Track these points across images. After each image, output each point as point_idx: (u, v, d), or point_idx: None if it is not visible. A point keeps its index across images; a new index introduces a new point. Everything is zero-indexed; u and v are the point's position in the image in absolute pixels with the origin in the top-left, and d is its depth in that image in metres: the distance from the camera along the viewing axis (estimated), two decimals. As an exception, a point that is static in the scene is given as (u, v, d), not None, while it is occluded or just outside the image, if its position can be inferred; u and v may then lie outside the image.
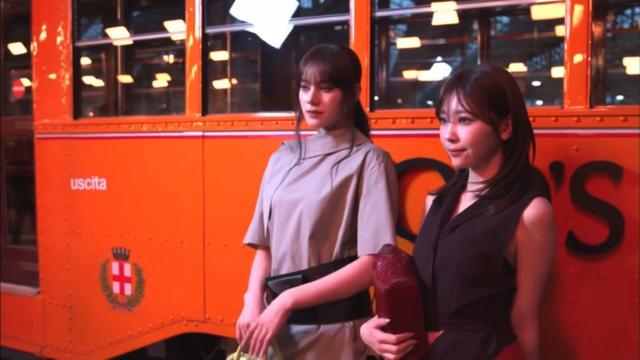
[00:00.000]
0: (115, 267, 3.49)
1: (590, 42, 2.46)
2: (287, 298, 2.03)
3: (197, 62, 3.22)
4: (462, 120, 1.72)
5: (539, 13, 4.52)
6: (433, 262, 1.75)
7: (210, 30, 3.25)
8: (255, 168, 2.86)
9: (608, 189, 2.40)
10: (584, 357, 2.47)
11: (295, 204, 2.10)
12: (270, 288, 2.16)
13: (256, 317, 2.10)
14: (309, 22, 3.41)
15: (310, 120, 2.12)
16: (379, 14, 2.87)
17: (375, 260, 1.84)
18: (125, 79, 4.75)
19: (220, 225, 3.15)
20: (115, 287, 3.49)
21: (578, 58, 2.45)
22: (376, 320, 1.78)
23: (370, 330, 1.80)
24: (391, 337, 1.72)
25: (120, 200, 3.48)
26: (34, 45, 3.79)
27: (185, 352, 3.71)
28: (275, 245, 2.17)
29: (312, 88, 2.07)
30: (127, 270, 3.45)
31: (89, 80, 5.24)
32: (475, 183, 1.80)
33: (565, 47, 2.49)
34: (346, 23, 2.89)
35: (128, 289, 3.46)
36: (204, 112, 3.21)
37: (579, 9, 2.45)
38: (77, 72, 3.65)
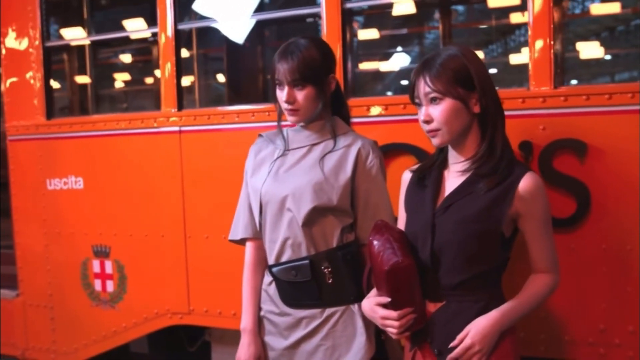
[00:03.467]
0: (96, 265, 3.52)
1: (552, 26, 2.59)
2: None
3: (171, 58, 3.26)
4: (433, 100, 1.82)
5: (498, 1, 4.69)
6: (432, 241, 1.85)
7: (183, 27, 3.30)
8: (233, 160, 2.94)
9: (574, 165, 2.54)
10: (557, 324, 2.61)
11: (288, 195, 2.14)
12: (276, 275, 2.20)
13: (254, 353, 2.20)
14: (278, 15, 3.45)
15: (290, 118, 2.17)
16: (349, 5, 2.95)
17: (371, 238, 1.92)
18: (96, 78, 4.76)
19: (201, 218, 3.21)
20: (97, 284, 3.52)
21: (541, 42, 2.58)
22: (377, 298, 1.87)
23: (372, 307, 1.89)
24: (393, 313, 1.82)
25: (99, 198, 3.50)
26: (2, 47, 3.78)
27: (169, 346, 3.76)
28: (271, 236, 2.20)
29: (286, 87, 2.12)
30: (109, 267, 3.48)
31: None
32: (459, 163, 1.90)
33: (529, 32, 2.62)
34: (317, 15, 2.97)
35: (110, 285, 3.49)
36: (180, 107, 3.26)
37: (540, -4, 2.58)
38: (48, 72, 3.65)
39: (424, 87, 1.81)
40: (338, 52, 2.82)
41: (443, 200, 1.88)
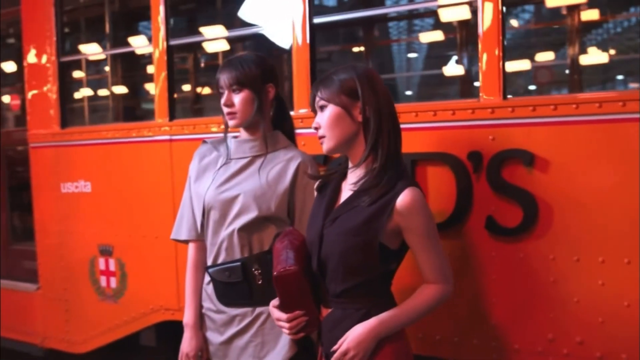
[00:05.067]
0: (101, 263, 3.80)
1: (501, 38, 2.63)
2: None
3: (163, 71, 3.49)
4: (321, 108, 1.96)
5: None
6: (319, 251, 1.97)
7: (174, 42, 3.52)
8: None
9: (522, 175, 2.57)
10: (508, 332, 2.65)
11: (230, 202, 2.31)
12: (212, 275, 2.39)
13: (195, 347, 2.39)
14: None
15: (229, 122, 2.35)
16: None
17: (274, 243, 2.07)
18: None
19: (189, 221, 3.41)
20: (103, 281, 3.80)
21: (491, 54, 2.63)
22: (274, 300, 2.02)
23: (270, 309, 2.04)
24: (283, 316, 1.96)
25: (104, 201, 3.79)
26: (25, 62, 4.13)
27: (176, 340, 3.99)
28: (212, 240, 2.38)
29: (226, 92, 2.31)
30: (112, 265, 3.76)
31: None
32: (352, 173, 2.00)
33: (479, 44, 2.66)
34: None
35: (113, 282, 3.76)
36: (171, 117, 3.48)
37: (489, 8, 2.62)
38: (63, 85, 3.97)
39: (315, 96, 1.97)
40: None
41: (332, 212, 1.99)
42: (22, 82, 4.24)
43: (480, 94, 2.65)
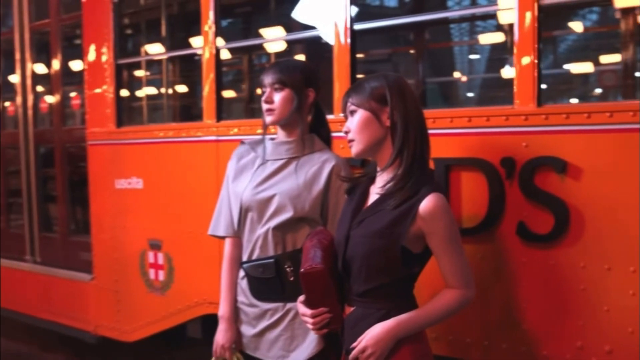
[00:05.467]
0: (151, 256, 3.98)
1: (537, 45, 2.65)
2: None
3: (212, 74, 3.63)
4: (351, 113, 2.04)
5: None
6: (345, 251, 2.05)
7: (222, 46, 3.66)
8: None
9: (554, 182, 2.58)
10: (537, 338, 2.66)
11: (267, 202, 2.42)
12: (246, 271, 2.50)
13: (229, 339, 2.51)
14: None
15: (266, 119, 2.46)
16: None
17: (305, 240, 2.18)
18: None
19: (233, 218, 3.55)
20: (151, 273, 3.98)
21: (526, 60, 2.65)
22: (301, 296, 2.12)
23: (297, 304, 2.13)
24: (308, 311, 2.06)
25: (154, 197, 3.97)
26: (85, 63, 4.36)
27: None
28: (248, 237, 2.50)
29: (268, 89, 2.44)
30: (161, 258, 3.93)
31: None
32: (380, 177, 2.08)
33: (515, 50, 2.69)
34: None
35: (161, 275, 3.93)
36: (219, 118, 3.62)
37: (525, 14, 2.64)
38: (119, 86, 4.18)
39: (348, 103, 2.05)
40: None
41: (359, 215, 2.07)
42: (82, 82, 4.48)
43: (515, 101, 2.67)
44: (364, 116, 2.02)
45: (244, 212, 2.50)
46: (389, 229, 1.96)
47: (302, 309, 2.09)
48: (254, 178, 2.49)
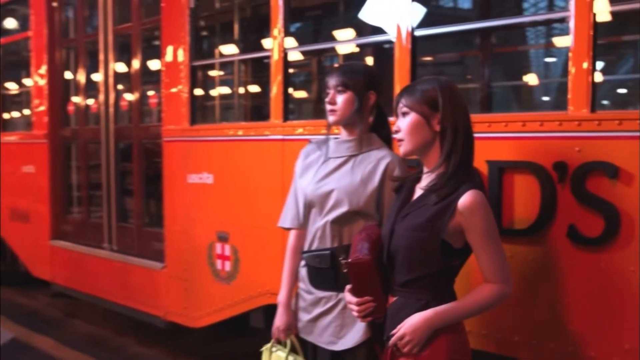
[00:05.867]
0: (218, 248, 4.21)
1: (592, 52, 2.71)
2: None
3: (280, 75, 3.82)
4: (403, 114, 2.17)
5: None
6: (389, 244, 2.19)
7: (290, 49, 3.85)
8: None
9: (605, 187, 2.63)
10: (585, 339, 2.72)
11: (326, 196, 2.62)
12: (305, 260, 2.68)
13: (285, 322, 2.71)
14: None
15: (329, 119, 2.65)
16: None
17: (356, 234, 2.35)
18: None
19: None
20: (218, 264, 4.21)
21: (580, 67, 2.71)
22: (349, 285, 2.28)
23: (345, 292, 2.29)
24: (353, 299, 2.21)
25: (223, 192, 4.20)
26: (162, 63, 4.64)
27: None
28: (310, 228, 2.70)
29: (331, 91, 2.62)
30: (227, 250, 4.16)
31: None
32: (426, 177, 2.21)
33: (570, 56, 2.75)
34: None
35: (228, 265, 4.16)
36: (285, 118, 3.81)
37: (579, 21, 2.71)
38: (193, 86, 4.43)
39: (398, 102, 2.19)
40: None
41: (403, 209, 2.21)
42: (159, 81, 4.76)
43: (569, 107, 2.74)
44: (415, 119, 2.15)
45: (307, 205, 2.70)
46: (429, 222, 2.09)
47: (349, 296, 2.25)
48: (317, 174, 2.68)
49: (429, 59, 5.99)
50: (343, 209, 2.57)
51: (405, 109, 2.17)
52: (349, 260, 2.18)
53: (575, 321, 2.72)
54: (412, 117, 2.16)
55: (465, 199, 2.06)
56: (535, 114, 2.88)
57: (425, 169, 2.23)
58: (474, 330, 2.90)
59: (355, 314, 2.24)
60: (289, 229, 2.83)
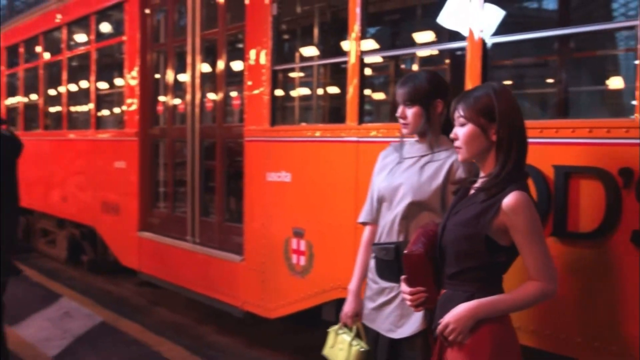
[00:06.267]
0: (294, 243, 4.44)
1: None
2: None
3: (356, 79, 4.01)
4: (461, 124, 2.30)
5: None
6: (441, 238, 2.35)
7: (366, 54, 4.03)
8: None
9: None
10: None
11: (395, 190, 2.82)
12: (374, 251, 2.84)
13: (353, 308, 2.95)
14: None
15: (402, 130, 2.86)
16: None
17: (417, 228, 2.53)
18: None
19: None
20: (294, 258, 4.44)
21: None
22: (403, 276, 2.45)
23: (401, 282, 2.46)
24: (407, 289, 2.39)
25: (300, 190, 4.42)
26: (245, 66, 4.91)
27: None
28: (381, 222, 2.91)
29: (400, 106, 2.82)
30: (303, 245, 4.37)
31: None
32: (480, 178, 2.34)
33: (637, 62, 2.81)
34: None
35: (302, 260, 4.38)
36: (360, 121, 3.99)
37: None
38: (274, 89, 4.67)
39: (456, 112, 2.32)
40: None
41: (455, 207, 2.36)
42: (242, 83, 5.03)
43: (635, 114, 2.80)
44: (472, 130, 2.27)
45: (379, 200, 2.91)
46: (475, 219, 2.23)
47: (404, 286, 2.42)
48: (391, 172, 2.89)
49: (505, 62, 6.05)
50: (407, 200, 2.75)
51: (462, 119, 2.30)
52: (405, 252, 2.36)
53: (639, 325, 2.78)
54: (469, 127, 2.28)
55: (509, 199, 2.18)
56: (602, 121, 2.94)
57: (481, 173, 2.36)
58: (538, 329, 3.01)
59: (407, 303, 2.41)
60: (364, 224, 3.05)
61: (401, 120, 2.83)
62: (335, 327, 3.05)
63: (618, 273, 2.84)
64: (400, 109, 2.82)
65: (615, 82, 6.66)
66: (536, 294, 2.22)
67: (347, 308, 2.99)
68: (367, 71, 7.42)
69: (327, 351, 3.06)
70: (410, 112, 2.79)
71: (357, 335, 2.95)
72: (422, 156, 2.82)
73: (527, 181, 2.32)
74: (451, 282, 2.32)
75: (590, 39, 5.84)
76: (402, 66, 6.97)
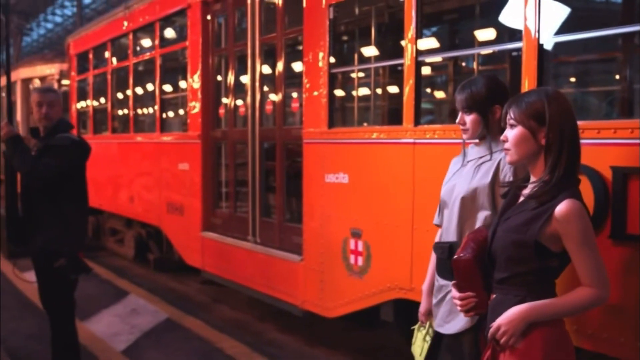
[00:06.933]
0: (352, 243, 4.50)
1: None
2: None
3: (412, 80, 4.03)
4: (511, 126, 2.32)
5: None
6: (491, 244, 2.37)
7: (421, 58, 4.05)
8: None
9: None
10: None
11: (451, 191, 2.91)
12: (433, 249, 2.90)
13: (424, 307, 3.09)
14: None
15: (463, 136, 2.94)
16: None
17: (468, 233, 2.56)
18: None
19: (424, 214, 3.92)
20: (352, 258, 4.50)
21: None
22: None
23: (451, 286, 2.49)
24: (457, 294, 2.42)
25: (357, 191, 4.48)
26: (303, 68, 5.00)
27: (412, 318, 4.54)
28: (443, 223, 3.00)
29: (460, 113, 2.88)
30: (360, 246, 4.43)
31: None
32: (530, 183, 2.35)
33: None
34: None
35: (360, 260, 4.43)
36: (416, 123, 4.02)
37: None
38: (332, 91, 4.75)
39: (507, 114, 2.34)
40: None
41: (505, 213, 2.38)
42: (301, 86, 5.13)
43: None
44: (522, 133, 2.28)
45: (442, 202, 3.00)
46: (525, 225, 2.24)
47: (454, 291, 2.45)
48: (453, 176, 2.97)
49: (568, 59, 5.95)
50: (459, 197, 2.82)
51: (512, 121, 2.31)
52: (454, 257, 2.39)
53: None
54: (518, 129, 2.29)
55: (561, 207, 2.19)
56: (663, 121, 2.89)
57: (532, 178, 2.37)
58: (595, 332, 2.98)
59: (457, 308, 2.45)
60: (438, 226, 3.12)
61: (461, 127, 2.89)
62: (417, 325, 3.21)
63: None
64: (459, 116, 2.89)
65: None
66: (588, 299, 2.22)
67: (421, 307, 3.14)
68: (426, 70, 7.48)
69: (412, 348, 3.23)
70: (468, 118, 2.85)
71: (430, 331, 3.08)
72: (480, 157, 2.87)
73: (579, 187, 2.32)
74: (501, 286, 2.34)
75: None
76: (463, 64, 6.94)
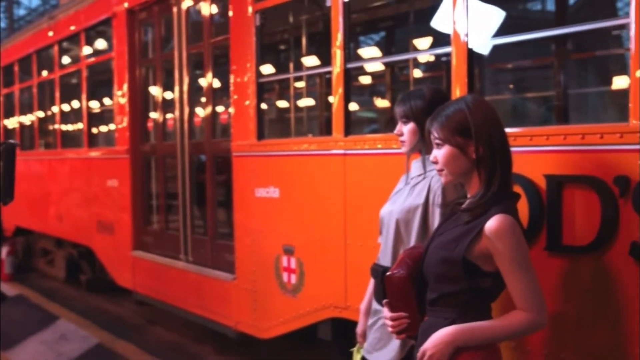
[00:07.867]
0: (284, 260, 4.29)
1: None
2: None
3: (340, 89, 3.86)
4: (437, 145, 2.15)
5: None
6: (423, 261, 2.20)
7: (350, 65, 3.88)
8: (386, 179, 3.40)
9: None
10: None
11: (388, 214, 2.74)
12: (370, 272, 2.74)
13: (360, 328, 2.92)
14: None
15: (401, 148, 2.76)
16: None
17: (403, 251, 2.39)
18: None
19: (358, 228, 3.75)
20: (285, 276, 4.29)
21: (641, 76, 2.60)
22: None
23: (383, 306, 2.31)
24: (388, 314, 2.24)
25: (289, 206, 4.28)
26: (231, 78, 4.78)
27: (350, 336, 4.36)
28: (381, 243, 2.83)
29: (399, 123, 2.72)
30: (293, 263, 4.23)
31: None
32: (468, 199, 2.19)
33: (631, 64, 2.65)
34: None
35: (293, 278, 4.23)
36: (346, 133, 3.85)
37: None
38: (260, 102, 4.54)
39: (432, 133, 2.16)
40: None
41: (439, 229, 2.22)
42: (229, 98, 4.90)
43: (630, 119, 2.64)
44: (450, 151, 2.12)
45: (380, 224, 2.83)
46: (454, 242, 2.09)
47: (385, 311, 2.27)
48: (397, 194, 2.80)
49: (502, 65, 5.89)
50: (394, 220, 2.67)
51: (438, 141, 2.15)
52: (387, 274, 2.21)
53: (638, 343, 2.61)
54: (446, 149, 2.13)
55: (491, 223, 2.03)
56: (595, 126, 2.78)
57: (468, 194, 2.21)
58: (533, 349, 2.84)
59: (389, 329, 2.28)
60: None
61: (399, 138, 2.74)
62: (356, 347, 3.02)
63: (617, 287, 2.67)
64: (398, 126, 2.74)
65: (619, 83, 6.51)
66: (522, 325, 2.04)
67: (358, 327, 3.00)
68: (365, 80, 7.35)
69: None
70: (406, 129, 2.70)
71: None
72: (419, 175, 2.71)
73: (515, 202, 2.17)
74: (433, 308, 2.17)
75: (588, 39, 5.69)
76: (404, 72, 6.83)
